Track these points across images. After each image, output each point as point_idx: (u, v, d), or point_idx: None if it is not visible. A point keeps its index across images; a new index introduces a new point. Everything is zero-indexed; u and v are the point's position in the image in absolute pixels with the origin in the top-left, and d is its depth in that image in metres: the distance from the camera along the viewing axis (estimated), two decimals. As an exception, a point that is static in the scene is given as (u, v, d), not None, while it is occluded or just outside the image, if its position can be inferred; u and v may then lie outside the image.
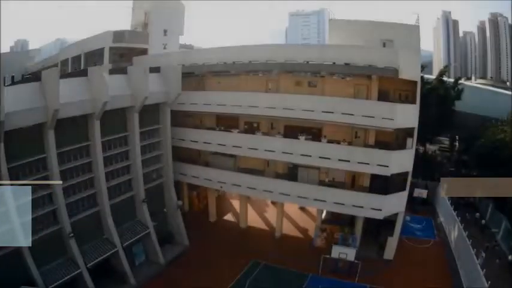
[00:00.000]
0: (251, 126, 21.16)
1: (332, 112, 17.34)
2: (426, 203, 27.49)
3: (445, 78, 34.15)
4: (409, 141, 18.93)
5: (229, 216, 25.19)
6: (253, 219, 24.14)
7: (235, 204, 25.52)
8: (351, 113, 17.27)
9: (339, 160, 17.73)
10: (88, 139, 16.47)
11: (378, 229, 21.07)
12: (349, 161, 17.69)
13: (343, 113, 17.30)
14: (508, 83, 66.07)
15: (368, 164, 17.68)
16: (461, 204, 24.34)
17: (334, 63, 17.31)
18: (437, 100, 29.95)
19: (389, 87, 19.21)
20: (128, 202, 18.85)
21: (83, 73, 16.82)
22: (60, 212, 15.16)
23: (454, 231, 22.02)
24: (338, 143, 18.39)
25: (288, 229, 22.98)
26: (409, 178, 19.31)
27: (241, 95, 20.13)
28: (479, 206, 25.40)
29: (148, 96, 17.42)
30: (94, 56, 28.73)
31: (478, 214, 23.78)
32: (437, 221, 26.00)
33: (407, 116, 18.10)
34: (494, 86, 50.97)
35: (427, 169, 30.17)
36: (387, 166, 17.58)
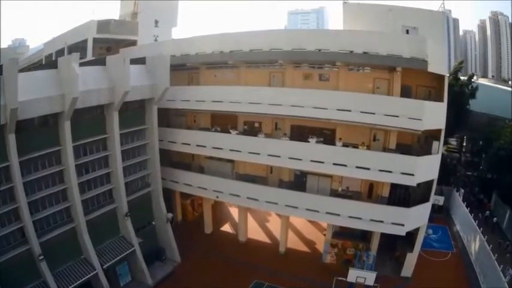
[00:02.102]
0: (252, 127, 17.76)
1: (349, 110, 14.07)
2: (441, 209, 24.71)
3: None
4: (435, 144, 15.77)
5: (227, 227, 21.96)
6: (254, 231, 20.95)
7: (234, 212, 22.28)
8: (372, 112, 14.06)
9: (357, 167, 14.53)
10: (59, 143, 13.34)
11: (393, 242, 18.15)
12: (369, 169, 14.50)
13: (362, 112, 14.08)
14: (509, 82, 63.29)
15: (391, 172, 14.55)
16: (473, 203, 23.05)
17: (351, 51, 14.03)
18: (453, 98, 26.92)
19: (412, 82, 16.03)
20: (109, 216, 15.75)
21: (54, 65, 13.62)
22: (27, 230, 12.35)
23: (475, 243, 19.28)
24: (355, 146, 15.19)
25: (294, 242, 19.85)
26: (434, 187, 16.28)
27: (240, 90, 16.77)
28: (494, 209, 23.34)
29: (129, 91, 14.12)
30: (77, 49, 25.28)
31: (488, 212, 22.53)
32: (454, 230, 23.15)
33: (435, 115, 15.00)
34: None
35: (440, 173, 27.41)
36: (412, 174, 14.45)
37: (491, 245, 16.80)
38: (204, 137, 17.30)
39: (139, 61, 16.45)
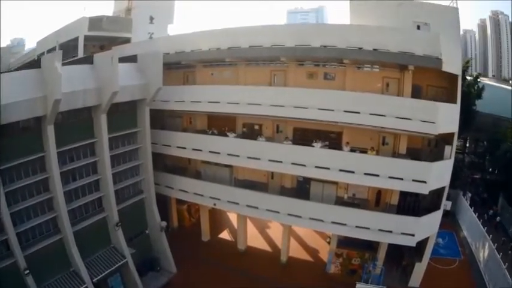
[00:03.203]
0: (251, 130, 16.39)
1: (358, 112, 12.74)
2: (447, 214, 23.48)
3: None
4: (447, 149, 14.47)
5: (225, 234, 20.64)
6: (254, 238, 19.63)
7: (233, 218, 20.97)
8: (382, 114, 12.74)
9: (365, 174, 13.22)
10: (43, 149, 12.10)
11: (400, 251, 16.90)
12: (378, 176, 13.21)
13: (371, 114, 12.75)
14: (510, 82, 62.01)
15: (401, 179, 13.25)
16: (477, 201, 22.54)
17: (360, 48, 12.67)
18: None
19: (422, 81, 14.72)
20: (98, 226, 14.47)
21: (37, 64, 12.30)
22: (11, 243, 11.27)
23: (484, 250, 18.15)
24: (363, 151, 13.86)
25: (296, 251, 18.54)
26: (445, 194, 15.03)
27: (239, 90, 15.40)
28: (500, 211, 22.38)
29: (118, 92, 12.77)
30: (69, 48, 23.88)
31: (491, 211, 21.87)
32: (461, 235, 21.93)
33: (448, 118, 13.70)
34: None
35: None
36: (425, 182, 13.17)
37: (495, 244, 16.04)
38: (200, 140, 15.92)
39: (131, 59, 15.10)
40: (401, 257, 17.02)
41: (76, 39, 22.55)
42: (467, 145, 35.13)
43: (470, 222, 21.50)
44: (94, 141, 13.89)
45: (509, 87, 36.68)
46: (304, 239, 19.65)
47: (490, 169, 29.02)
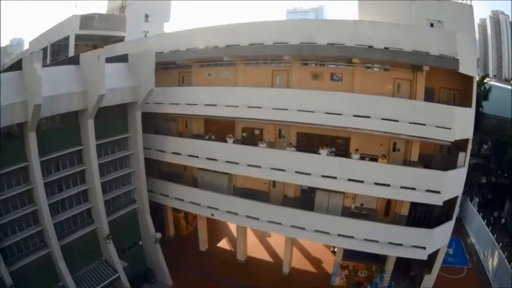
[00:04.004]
0: (252, 135, 15.11)
1: (368, 117, 11.53)
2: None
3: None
4: (461, 156, 13.27)
5: (224, 244, 19.42)
6: (255, 248, 18.41)
7: (232, 225, 19.71)
8: (395, 119, 11.52)
9: (375, 184, 12.01)
10: (25, 158, 10.99)
11: (408, 261, 15.75)
12: (389, 186, 12.02)
13: (383, 119, 11.53)
14: (511, 81, 60.80)
15: (414, 189, 12.07)
16: (481, 203, 22.07)
17: (371, 46, 11.42)
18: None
19: (434, 83, 13.51)
20: (88, 238, 13.34)
21: (19, 66, 11.08)
22: None
23: (493, 259, 17.12)
24: (372, 159, 12.64)
25: (299, 261, 17.34)
26: (458, 203, 13.90)
27: (238, 92, 14.14)
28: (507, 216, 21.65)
29: (104, 95, 11.52)
30: (60, 47, 22.59)
31: (496, 213, 21.31)
32: (468, 242, 20.82)
33: (464, 123, 12.53)
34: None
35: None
36: (439, 192, 12.00)
37: (500, 244, 15.55)
38: (196, 146, 14.60)
39: (121, 59, 13.83)
40: (409, 267, 15.90)
41: (67, 39, 21.22)
42: (471, 147, 33.97)
43: (478, 228, 20.45)
44: (81, 148, 12.69)
45: (510, 87, 35.64)
46: (307, 248, 18.43)
47: (497, 172, 27.97)
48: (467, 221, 22.53)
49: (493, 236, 16.44)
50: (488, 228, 17.48)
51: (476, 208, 22.10)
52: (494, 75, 70.81)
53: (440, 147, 14.37)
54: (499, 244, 15.57)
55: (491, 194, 24.99)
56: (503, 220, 20.69)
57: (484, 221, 18.33)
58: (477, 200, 23.60)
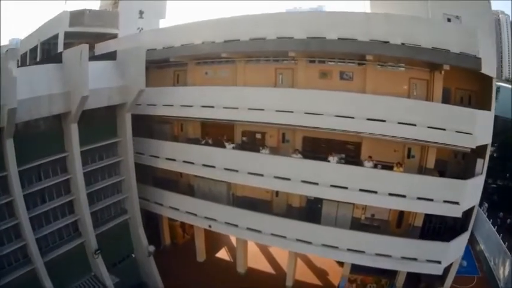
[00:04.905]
0: (252, 139, 13.76)
1: (383, 121, 10.22)
2: (463, 225, 21.31)
3: None
4: (479, 163, 12.04)
5: (223, 254, 18.09)
6: (256, 258, 17.06)
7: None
8: (413, 123, 10.22)
9: (390, 195, 10.73)
10: (3, 168, 9.75)
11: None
12: (405, 197, 10.73)
13: (399, 123, 10.23)
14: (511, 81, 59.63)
15: (432, 200, 10.80)
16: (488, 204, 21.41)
17: (387, 42, 10.08)
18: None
19: (450, 84, 12.25)
20: (76, 253, 12.05)
21: None
22: None
23: (504, 267, 15.95)
24: (386, 167, 11.32)
25: (303, 273, 16.00)
26: (475, 213, 12.71)
27: (237, 92, 12.81)
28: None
29: (88, 96, 10.17)
30: (50, 46, 21.15)
31: (501, 214, 21.04)
32: (477, 249, 19.65)
33: (484, 128, 11.31)
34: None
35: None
36: (457, 203, 10.74)
37: (506, 243, 14.80)
38: (191, 152, 13.23)
39: (110, 56, 12.48)
40: (418, 280, 14.69)
41: (57, 37, 19.78)
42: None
43: (488, 235, 19.25)
44: (65, 155, 11.36)
45: (511, 86, 34.56)
46: (312, 259, 17.12)
47: (504, 174, 26.88)
48: (476, 226, 21.19)
49: (499, 234, 15.43)
50: (494, 227, 16.43)
51: (486, 214, 20.98)
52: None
53: (455, 153, 13.17)
54: (505, 243, 14.47)
55: (497, 196, 24.04)
56: (509, 220, 20.03)
57: (490, 220, 17.36)
58: (486, 205, 22.50)
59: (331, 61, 11.87)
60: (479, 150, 11.61)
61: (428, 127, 10.34)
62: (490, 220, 19.48)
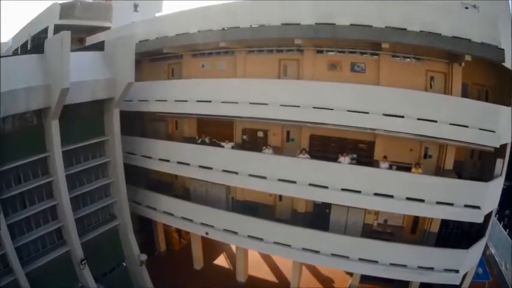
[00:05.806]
0: (254, 137, 12.61)
1: (401, 116, 9.08)
2: (472, 228, 20.36)
3: None
4: (498, 163, 10.95)
5: (222, 260, 16.86)
6: (257, 265, 15.84)
7: (231, 238, 17.20)
8: (433, 119, 9.09)
9: (407, 199, 9.58)
10: None
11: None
12: (423, 201, 9.60)
13: (419, 119, 9.10)
14: None
15: (452, 204, 9.68)
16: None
17: (404, 29, 8.95)
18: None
19: (468, 78, 11.16)
20: (60, 262, 10.85)
21: None
22: None
23: None
24: (401, 167, 10.17)
25: (308, 282, 14.77)
26: (493, 217, 11.68)
27: (237, 85, 11.58)
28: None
29: (68, 88, 8.97)
30: (40, 40, 19.89)
31: (507, 211, 19.47)
32: (487, 253, 18.58)
33: (506, 125, 10.24)
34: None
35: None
36: (479, 207, 9.62)
37: None
38: (185, 151, 12.00)
39: (97, 47, 11.29)
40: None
41: (44, 30, 18.59)
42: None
43: (498, 238, 18.24)
44: (46, 155, 10.15)
45: None
46: (318, 266, 15.95)
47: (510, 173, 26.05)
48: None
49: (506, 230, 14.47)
50: (500, 223, 15.55)
51: (496, 216, 19.96)
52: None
53: (472, 153, 12.10)
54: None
55: (503, 196, 23.37)
56: None
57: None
58: (497, 207, 21.60)
59: (341, 51, 10.65)
60: (497, 150, 10.58)
61: (451, 124, 9.25)
62: (496, 216, 18.55)
